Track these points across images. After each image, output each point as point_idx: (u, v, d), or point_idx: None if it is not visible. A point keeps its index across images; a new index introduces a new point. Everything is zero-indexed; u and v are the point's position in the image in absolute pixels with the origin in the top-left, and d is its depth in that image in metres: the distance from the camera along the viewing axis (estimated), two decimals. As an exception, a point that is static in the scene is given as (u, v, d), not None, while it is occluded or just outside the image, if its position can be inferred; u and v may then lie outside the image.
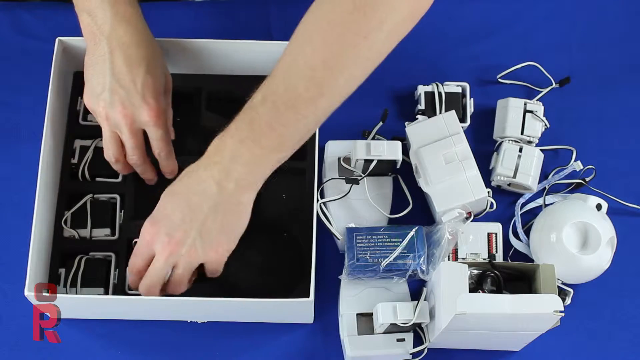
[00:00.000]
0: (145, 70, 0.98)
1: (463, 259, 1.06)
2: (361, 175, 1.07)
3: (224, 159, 0.92)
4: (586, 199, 1.08)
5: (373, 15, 0.86)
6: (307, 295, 0.97)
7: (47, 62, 1.05)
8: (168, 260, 0.94)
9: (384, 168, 1.07)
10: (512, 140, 1.11)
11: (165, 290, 0.98)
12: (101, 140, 1.04)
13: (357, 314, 1.02)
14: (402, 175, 1.10)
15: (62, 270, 1.04)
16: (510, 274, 1.00)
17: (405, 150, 1.08)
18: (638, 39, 1.21)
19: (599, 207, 1.07)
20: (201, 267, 0.97)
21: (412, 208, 1.08)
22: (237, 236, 0.96)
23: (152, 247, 0.95)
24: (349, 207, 1.07)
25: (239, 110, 0.93)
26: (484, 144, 1.13)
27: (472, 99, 1.13)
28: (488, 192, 1.05)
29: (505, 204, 1.11)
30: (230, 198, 0.93)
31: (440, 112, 1.11)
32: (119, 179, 1.07)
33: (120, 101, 0.97)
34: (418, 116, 1.12)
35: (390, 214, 1.07)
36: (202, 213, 0.93)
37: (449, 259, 1.05)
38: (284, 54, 0.90)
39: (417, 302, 0.99)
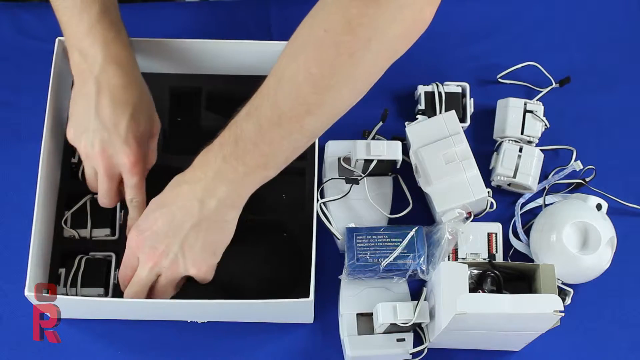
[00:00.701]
0: (131, 114, 0.97)
1: (463, 259, 1.06)
2: (361, 175, 1.07)
3: (207, 176, 0.91)
4: (586, 199, 1.08)
5: (363, 33, 0.82)
6: (307, 295, 0.97)
7: (47, 62, 1.05)
8: (152, 271, 0.95)
9: (384, 168, 1.07)
10: (512, 140, 1.11)
11: (150, 296, 0.98)
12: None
13: (357, 314, 1.02)
14: (402, 175, 1.10)
15: (62, 270, 1.04)
16: (510, 274, 1.00)
17: (405, 150, 1.08)
18: (638, 39, 1.21)
19: (599, 207, 1.07)
20: None
21: (412, 208, 1.08)
22: (220, 252, 0.96)
23: (137, 255, 0.95)
24: (349, 207, 1.07)
25: (237, 112, 0.93)
26: (484, 144, 1.13)
27: (472, 99, 1.13)
28: (488, 192, 1.05)
29: (505, 204, 1.11)
30: (213, 216, 0.92)
31: (440, 112, 1.11)
32: (119, 179, 1.08)
33: (101, 143, 0.97)
34: (418, 116, 1.12)
35: (390, 214, 1.07)
36: (184, 229, 0.93)
37: (449, 259, 1.05)
38: (272, 70, 0.88)
39: (417, 302, 0.99)
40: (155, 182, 1.04)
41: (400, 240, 1.02)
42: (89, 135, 0.97)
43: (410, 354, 1.01)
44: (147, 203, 0.98)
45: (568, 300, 1.05)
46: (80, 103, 0.98)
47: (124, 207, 1.06)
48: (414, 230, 1.02)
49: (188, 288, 1.01)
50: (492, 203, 1.06)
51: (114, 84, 0.96)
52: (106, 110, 0.96)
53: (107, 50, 0.97)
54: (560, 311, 0.89)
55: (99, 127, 0.97)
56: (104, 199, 1.02)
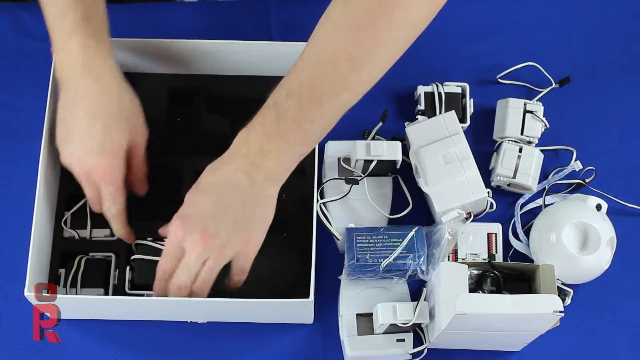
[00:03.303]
0: (104, 125, 0.97)
1: (463, 259, 1.06)
2: (361, 176, 1.07)
3: (251, 153, 0.93)
4: (586, 199, 1.08)
5: (399, 15, 0.89)
6: (307, 296, 0.97)
7: (47, 62, 1.05)
8: (201, 255, 0.94)
9: (383, 168, 1.07)
10: (512, 141, 1.11)
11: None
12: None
13: (357, 314, 1.02)
14: (402, 176, 1.10)
15: (62, 271, 1.04)
16: (510, 274, 1.00)
17: (405, 151, 1.08)
18: (638, 39, 1.20)
19: (598, 207, 1.07)
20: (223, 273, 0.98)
21: (412, 208, 1.08)
22: (266, 228, 0.97)
23: (184, 243, 0.95)
24: (349, 208, 1.07)
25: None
26: (483, 144, 1.13)
27: (472, 99, 1.13)
28: (488, 192, 1.05)
29: (505, 204, 1.11)
30: (260, 190, 0.94)
31: (440, 113, 1.11)
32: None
33: (77, 154, 0.97)
34: (418, 116, 1.12)
35: (390, 214, 1.07)
36: (233, 206, 0.94)
37: (448, 259, 1.05)
38: (307, 50, 0.92)
39: (417, 302, 0.99)
40: (156, 181, 1.05)
41: (400, 240, 1.02)
42: (67, 145, 0.98)
43: (410, 354, 1.01)
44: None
45: (568, 301, 1.05)
46: (60, 112, 0.99)
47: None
48: (413, 230, 1.02)
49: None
50: (491, 203, 1.06)
51: (88, 95, 0.96)
52: (81, 121, 0.96)
53: (84, 60, 0.96)
54: (560, 311, 0.89)
55: (74, 137, 0.97)
56: (93, 205, 1.02)
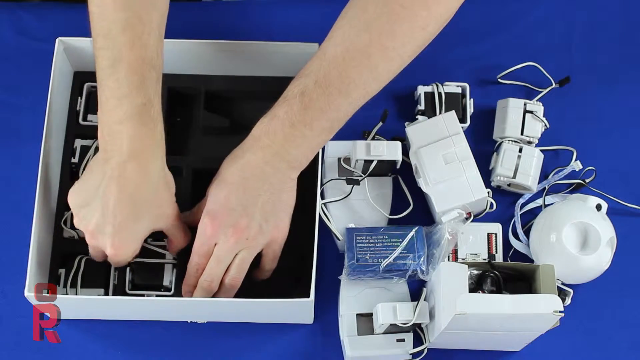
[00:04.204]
0: (132, 211, 0.93)
1: (463, 259, 1.06)
2: (361, 176, 1.07)
3: (275, 143, 0.94)
4: (586, 200, 1.08)
5: (436, 10, 0.92)
6: (307, 295, 0.97)
7: (47, 62, 1.05)
8: (233, 248, 0.95)
9: (384, 168, 1.07)
10: (512, 141, 1.11)
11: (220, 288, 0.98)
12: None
13: (357, 314, 1.02)
14: (402, 176, 1.10)
15: (62, 271, 1.04)
16: (510, 274, 1.00)
17: (405, 151, 1.08)
18: (638, 39, 1.20)
19: (598, 207, 1.07)
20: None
21: (412, 208, 1.08)
22: (291, 211, 0.98)
23: (215, 240, 0.95)
24: (349, 208, 1.07)
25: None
26: (483, 144, 1.13)
27: (472, 100, 1.13)
28: (488, 192, 1.05)
29: (505, 204, 1.11)
30: (283, 177, 0.96)
31: (440, 113, 1.11)
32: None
33: (92, 228, 0.95)
34: (418, 116, 1.12)
35: (391, 214, 1.07)
36: (260, 196, 0.95)
37: (448, 259, 1.05)
38: (334, 39, 0.93)
39: (417, 302, 0.99)
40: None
41: (400, 240, 1.02)
42: (85, 212, 0.95)
43: (410, 354, 1.01)
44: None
45: (568, 301, 1.05)
46: (94, 176, 0.95)
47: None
48: (413, 230, 1.02)
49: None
50: (491, 203, 1.06)
51: (127, 177, 0.93)
52: (109, 198, 0.93)
53: (133, 145, 0.92)
54: (560, 311, 0.89)
55: (96, 209, 0.94)
56: (95, 258, 1.01)
